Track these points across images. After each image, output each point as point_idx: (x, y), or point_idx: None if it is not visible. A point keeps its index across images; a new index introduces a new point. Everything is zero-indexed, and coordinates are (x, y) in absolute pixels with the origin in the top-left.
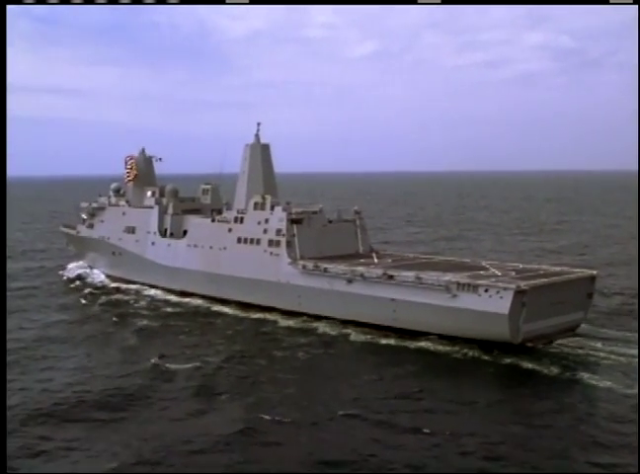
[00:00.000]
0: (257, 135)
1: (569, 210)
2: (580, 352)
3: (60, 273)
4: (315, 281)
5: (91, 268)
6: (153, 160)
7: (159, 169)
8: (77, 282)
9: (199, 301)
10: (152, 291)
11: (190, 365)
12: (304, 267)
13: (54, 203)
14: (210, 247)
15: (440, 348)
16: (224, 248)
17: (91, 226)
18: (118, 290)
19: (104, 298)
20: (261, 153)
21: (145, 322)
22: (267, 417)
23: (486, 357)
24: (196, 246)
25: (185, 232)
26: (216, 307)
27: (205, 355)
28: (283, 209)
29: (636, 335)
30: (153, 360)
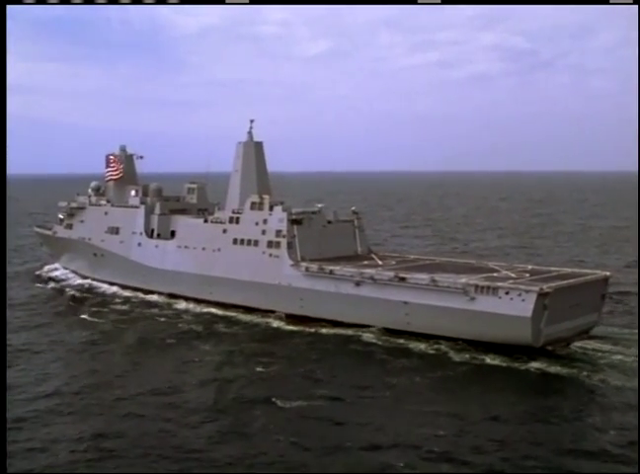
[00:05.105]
0: (250, 133)
1: (570, 213)
2: None
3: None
4: (319, 284)
5: (66, 269)
6: (134, 158)
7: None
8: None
9: (248, 316)
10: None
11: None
12: (307, 269)
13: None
14: (203, 248)
15: (559, 368)
16: (218, 249)
17: (69, 226)
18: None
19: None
20: (255, 151)
21: (207, 347)
22: None
23: (617, 382)
24: (187, 247)
25: (172, 233)
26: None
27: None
28: (284, 209)
29: None
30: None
